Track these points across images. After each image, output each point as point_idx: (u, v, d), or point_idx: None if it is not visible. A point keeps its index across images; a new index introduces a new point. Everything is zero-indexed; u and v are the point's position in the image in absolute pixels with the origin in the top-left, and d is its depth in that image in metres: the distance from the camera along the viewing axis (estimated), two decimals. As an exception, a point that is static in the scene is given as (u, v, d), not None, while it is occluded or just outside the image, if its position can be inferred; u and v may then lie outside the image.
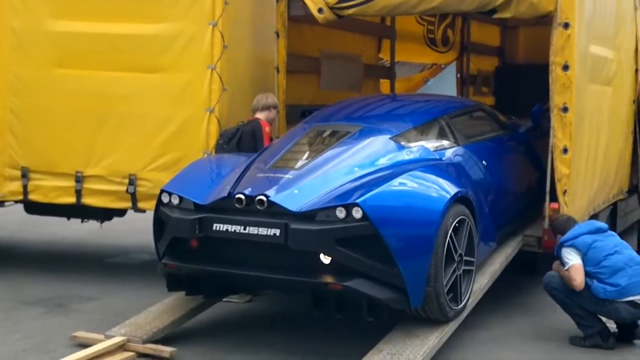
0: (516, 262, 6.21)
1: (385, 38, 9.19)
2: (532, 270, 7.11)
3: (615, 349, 5.44)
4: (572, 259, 5.41)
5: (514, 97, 10.04)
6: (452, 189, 5.01)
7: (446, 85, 11.82)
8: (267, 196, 4.83)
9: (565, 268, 5.44)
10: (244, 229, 4.83)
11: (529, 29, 10.60)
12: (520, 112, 8.19)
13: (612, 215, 7.77)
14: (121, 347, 5.14)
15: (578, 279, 5.37)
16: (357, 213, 4.62)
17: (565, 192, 6.03)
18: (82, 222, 7.69)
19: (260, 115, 6.44)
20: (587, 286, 5.40)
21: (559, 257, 5.57)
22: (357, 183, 4.95)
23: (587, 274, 5.41)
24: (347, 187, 4.91)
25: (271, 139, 6.39)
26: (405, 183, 4.93)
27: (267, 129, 6.34)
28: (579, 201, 6.28)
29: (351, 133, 5.56)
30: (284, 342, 5.42)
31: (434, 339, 4.86)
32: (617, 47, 7.47)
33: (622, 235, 6.89)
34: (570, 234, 5.53)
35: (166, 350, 5.09)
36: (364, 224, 4.60)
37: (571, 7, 5.94)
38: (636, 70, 8.22)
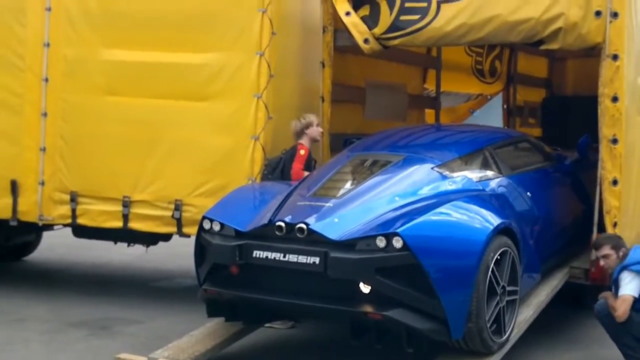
0: (563, 294, 6.10)
1: (431, 68, 9.20)
2: (579, 302, 6.98)
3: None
4: (631, 286, 5.22)
5: (561, 128, 9.92)
6: (495, 220, 4.96)
7: (493, 116, 11.74)
8: (307, 224, 4.84)
9: (621, 294, 5.25)
10: (284, 256, 4.85)
11: (577, 60, 10.48)
12: (568, 143, 8.09)
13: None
14: (164, 370, 5.18)
15: (621, 310, 5.22)
16: (397, 243, 4.60)
17: (615, 224, 5.92)
18: (128, 246, 7.79)
19: (301, 141, 6.44)
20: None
21: (614, 280, 5.35)
22: (398, 212, 4.93)
23: None
24: (387, 216, 4.89)
25: (311, 161, 6.37)
26: (447, 213, 4.89)
27: (301, 151, 6.29)
28: (628, 233, 6.14)
29: (393, 162, 5.56)
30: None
31: (477, 370, 4.80)
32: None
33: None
34: (635, 257, 5.31)
35: (208, 373, 5.13)
36: (404, 253, 4.58)
37: (620, 39, 5.88)
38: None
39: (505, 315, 5.02)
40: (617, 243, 5.49)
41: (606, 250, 5.44)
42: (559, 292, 6.01)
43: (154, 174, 6.93)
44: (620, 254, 5.41)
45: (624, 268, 5.31)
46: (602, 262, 5.51)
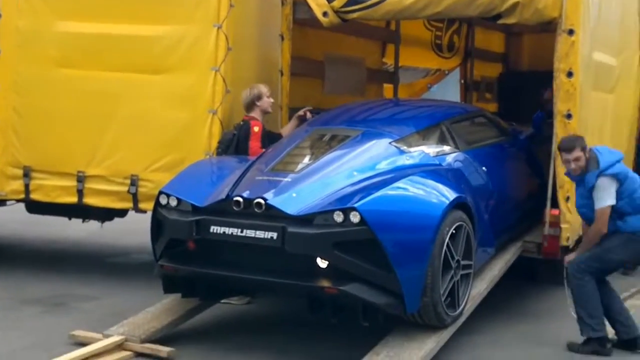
0: (516, 268, 6.20)
1: (390, 42, 9.19)
2: (531, 276, 7.11)
3: (613, 356, 5.41)
4: (610, 195, 5.25)
5: (517, 103, 10.02)
6: (450, 195, 5.00)
7: (450, 91, 11.81)
8: (265, 199, 4.83)
9: (600, 206, 5.27)
10: (241, 231, 4.84)
11: (533, 35, 10.56)
12: (524, 118, 8.18)
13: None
14: (119, 347, 5.15)
15: (601, 221, 5.27)
16: (354, 217, 4.62)
17: (568, 198, 6.02)
18: (83, 222, 7.71)
19: (253, 114, 6.32)
20: (620, 226, 5.34)
21: (589, 186, 5.31)
22: (356, 187, 4.95)
23: (619, 211, 5.32)
24: (345, 191, 4.91)
25: (266, 136, 6.30)
26: (404, 188, 4.93)
27: (255, 128, 6.20)
28: (579, 207, 6.26)
29: (351, 137, 5.56)
30: (282, 344, 5.42)
31: (432, 343, 4.86)
32: (620, 54, 7.46)
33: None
34: (607, 160, 5.32)
35: (164, 350, 5.10)
36: (361, 228, 4.60)
37: (576, 14, 5.94)
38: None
39: (460, 289, 5.09)
40: (584, 143, 5.45)
41: (577, 152, 5.38)
42: (512, 266, 6.11)
43: (110, 149, 6.83)
44: (587, 155, 5.40)
45: (601, 174, 5.30)
46: (572, 166, 5.41)
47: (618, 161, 5.41)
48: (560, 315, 6.13)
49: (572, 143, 5.43)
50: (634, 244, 5.42)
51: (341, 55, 8.15)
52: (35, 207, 7.42)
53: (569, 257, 5.61)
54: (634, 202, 5.37)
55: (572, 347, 5.49)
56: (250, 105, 6.34)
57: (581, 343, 5.47)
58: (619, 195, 5.33)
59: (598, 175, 5.33)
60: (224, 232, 4.89)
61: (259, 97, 6.31)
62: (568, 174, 5.63)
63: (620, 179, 5.33)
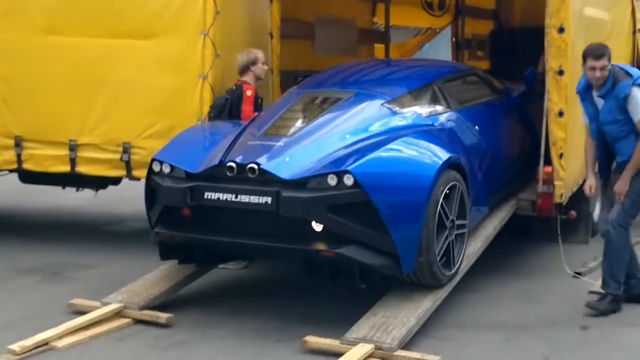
0: (509, 225, 6.22)
1: (380, 2, 9.11)
2: (525, 233, 7.15)
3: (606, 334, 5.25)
4: None
5: (509, 61, 9.95)
6: (444, 155, 5.00)
7: (441, 50, 11.74)
8: (258, 164, 4.82)
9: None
10: (236, 197, 4.83)
11: (524, -9, 10.49)
12: (516, 76, 8.13)
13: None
14: (118, 314, 5.17)
15: None
16: (348, 180, 4.62)
17: (561, 155, 6.02)
18: (77, 190, 7.71)
19: (246, 78, 6.29)
20: None
21: (621, 99, 5.07)
22: (349, 150, 4.94)
23: None
24: (338, 154, 4.90)
25: (257, 100, 6.28)
26: (397, 149, 4.92)
27: (248, 92, 6.16)
28: (573, 164, 6.27)
29: (343, 99, 5.53)
30: (280, 308, 5.45)
31: (428, 302, 4.90)
32: (612, 8, 7.40)
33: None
34: (637, 72, 5.13)
35: (162, 316, 5.13)
36: (355, 191, 4.61)
37: (566, -31, 5.88)
38: (633, 32, 8.14)
39: (455, 248, 5.12)
40: (610, 54, 5.28)
41: (605, 61, 5.19)
42: (505, 223, 6.13)
43: (101, 116, 6.78)
44: (610, 65, 5.24)
45: (635, 84, 5.12)
46: (598, 74, 5.19)
47: None
48: (554, 272, 6.19)
49: (601, 50, 5.23)
50: None
51: (332, 16, 8.08)
52: (28, 176, 7.41)
53: (620, 187, 5.24)
54: None
55: (590, 305, 5.37)
56: (244, 69, 6.30)
57: (598, 299, 5.41)
58: None
59: (633, 84, 5.13)
60: (218, 198, 4.89)
61: (253, 62, 6.27)
62: (579, 90, 5.42)
63: None
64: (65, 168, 6.91)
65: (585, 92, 5.41)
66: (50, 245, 7.16)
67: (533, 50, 7.88)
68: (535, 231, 7.13)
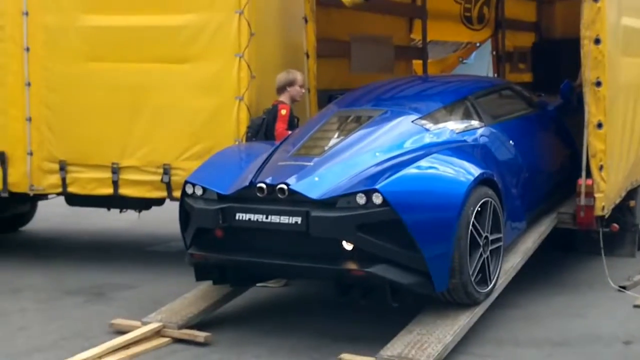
0: (553, 240, 6.13)
1: (417, 18, 9.10)
2: (570, 247, 7.03)
3: None
4: None
5: (552, 73, 9.82)
6: (475, 172, 4.96)
7: (483, 64, 11.65)
8: (287, 184, 4.85)
9: None
10: (266, 217, 4.87)
11: (565, 2, 10.34)
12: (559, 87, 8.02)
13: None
14: (157, 333, 5.24)
15: None
16: (377, 199, 4.61)
17: (601, 167, 5.92)
18: (120, 212, 7.86)
19: (282, 98, 6.38)
20: None
21: None
22: (379, 168, 4.93)
23: None
24: (368, 172, 4.90)
25: (293, 120, 6.33)
26: (427, 167, 4.90)
27: (283, 111, 6.23)
28: (614, 176, 6.17)
29: (374, 117, 5.53)
30: (318, 326, 5.46)
31: (465, 318, 4.85)
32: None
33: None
34: None
35: (201, 335, 5.18)
36: (384, 209, 4.60)
37: (600, -20, 5.80)
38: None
39: (490, 264, 5.05)
40: None
41: None
42: (549, 237, 6.03)
43: (141, 139, 6.94)
44: None
45: None
46: None
47: None
48: (598, 286, 6.07)
49: None
50: None
51: (367, 35, 8.10)
52: (74, 199, 7.59)
53: None
54: None
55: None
56: (281, 89, 6.39)
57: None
58: None
59: None
60: (249, 219, 4.93)
61: (291, 83, 6.36)
62: None
63: None
64: (108, 190, 7.08)
65: None
66: (95, 265, 7.32)
67: (575, 62, 7.77)
68: (580, 245, 7.01)
